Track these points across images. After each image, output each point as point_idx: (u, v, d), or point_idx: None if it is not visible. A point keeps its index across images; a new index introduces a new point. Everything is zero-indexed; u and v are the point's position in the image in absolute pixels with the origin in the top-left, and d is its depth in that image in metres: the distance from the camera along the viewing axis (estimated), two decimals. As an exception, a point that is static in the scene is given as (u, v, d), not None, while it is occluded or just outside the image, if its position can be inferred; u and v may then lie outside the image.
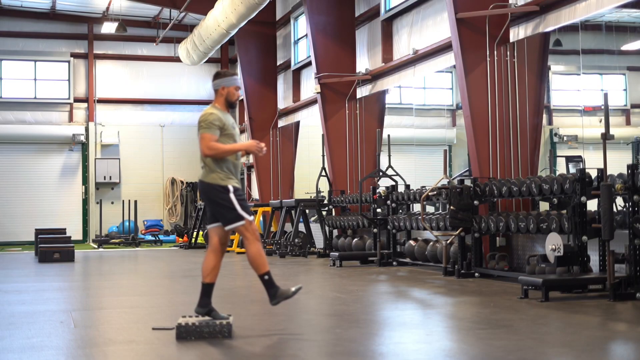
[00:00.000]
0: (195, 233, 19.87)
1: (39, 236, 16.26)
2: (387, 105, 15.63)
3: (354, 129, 15.54)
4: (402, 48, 14.14)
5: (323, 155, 15.78)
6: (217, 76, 6.11)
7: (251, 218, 5.91)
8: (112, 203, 22.98)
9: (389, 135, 13.93)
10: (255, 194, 21.96)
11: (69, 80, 23.21)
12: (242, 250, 16.46)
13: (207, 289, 5.93)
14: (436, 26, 12.89)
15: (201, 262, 6.12)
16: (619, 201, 9.15)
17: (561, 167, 13.76)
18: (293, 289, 5.93)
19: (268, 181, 20.30)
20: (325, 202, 15.80)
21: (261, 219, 18.60)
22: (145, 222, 23.07)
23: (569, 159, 13.90)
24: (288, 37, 19.80)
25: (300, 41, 19.14)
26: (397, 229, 12.35)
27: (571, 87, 15.01)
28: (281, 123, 20.16)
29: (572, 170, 13.41)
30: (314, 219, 16.88)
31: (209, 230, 6.01)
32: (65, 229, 17.84)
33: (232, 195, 5.83)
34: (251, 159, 21.52)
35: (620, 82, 14.49)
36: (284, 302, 6.08)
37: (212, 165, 5.92)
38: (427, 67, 13.23)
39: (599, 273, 8.11)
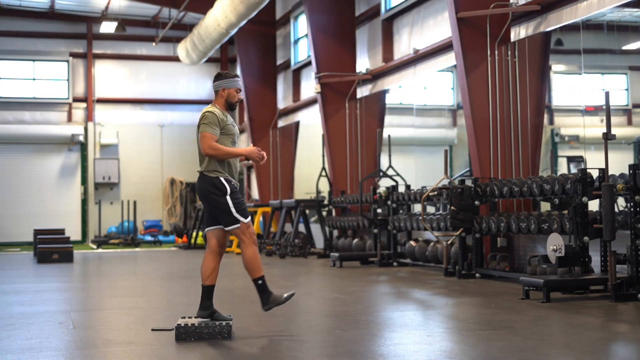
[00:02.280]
0: (194, 233, 19.84)
1: (38, 237, 16.22)
2: (387, 105, 15.61)
3: (354, 129, 15.51)
4: (403, 48, 14.12)
5: (323, 155, 15.76)
6: (218, 77, 6.09)
7: (247, 220, 5.88)
8: (111, 203, 22.95)
9: (389, 135, 13.91)
10: (255, 194, 21.94)
11: (67, 80, 23.18)
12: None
13: (207, 292, 5.91)
14: (437, 26, 12.87)
15: (200, 262, 6.09)
16: (621, 201, 9.14)
17: (562, 167, 13.74)
18: (286, 295, 5.90)
19: (268, 181, 20.28)
20: (326, 202, 15.78)
21: (261, 219, 18.57)
22: (145, 223, 23.04)
23: (570, 159, 13.89)
24: (288, 37, 19.78)
25: (300, 41, 19.12)
26: (397, 229, 12.32)
27: (572, 87, 14.99)
28: (281, 123, 20.14)
29: (574, 170, 13.39)
30: (314, 220, 16.86)
31: (207, 232, 5.99)
32: (64, 230, 17.80)
33: (228, 198, 5.81)
34: (251, 159, 21.46)
35: (622, 81, 14.47)
36: (284, 303, 6.04)
37: (211, 164, 5.88)
38: (427, 67, 13.21)
39: (601, 274, 8.09)
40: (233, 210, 5.81)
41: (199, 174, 6.00)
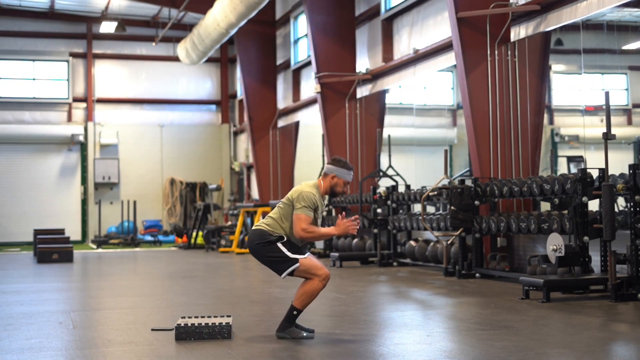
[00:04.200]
0: (194, 233, 19.84)
1: (38, 236, 16.22)
2: (387, 105, 15.60)
3: (354, 129, 15.51)
4: (403, 47, 14.12)
5: (323, 155, 15.75)
6: (335, 162, 5.86)
7: (305, 256, 5.71)
8: (111, 203, 22.94)
9: (389, 135, 13.90)
10: (255, 194, 21.94)
11: (67, 79, 23.17)
12: (242, 250, 16.48)
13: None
14: (437, 26, 12.86)
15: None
16: (621, 201, 9.14)
17: (562, 167, 13.74)
18: (304, 334, 5.76)
19: (268, 181, 20.27)
20: (325, 202, 15.77)
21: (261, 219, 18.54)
22: (145, 223, 23.03)
23: (570, 159, 13.88)
24: (288, 37, 19.77)
25: (300, 41, 19.11)
26: (397, 229, 12.32)
27: (572, 87, 14.99)
28: (281, 123, 20.14)
29: (574, 170, 13.38)
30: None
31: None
32: (64, 230, 17.79)
33: (279, 245, 5.67)
34: (251, 159, 21.51)
35: (622, 81, 14.47)
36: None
37: (272, 225, 5.73)
38: (427, 67, 13.20)
39: (601, 274, 8.09)
40: (287, 253, 5.66)
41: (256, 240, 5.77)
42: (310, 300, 5.69)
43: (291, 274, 5.68)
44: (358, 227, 5.75)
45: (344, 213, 5.94)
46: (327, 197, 5.90)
